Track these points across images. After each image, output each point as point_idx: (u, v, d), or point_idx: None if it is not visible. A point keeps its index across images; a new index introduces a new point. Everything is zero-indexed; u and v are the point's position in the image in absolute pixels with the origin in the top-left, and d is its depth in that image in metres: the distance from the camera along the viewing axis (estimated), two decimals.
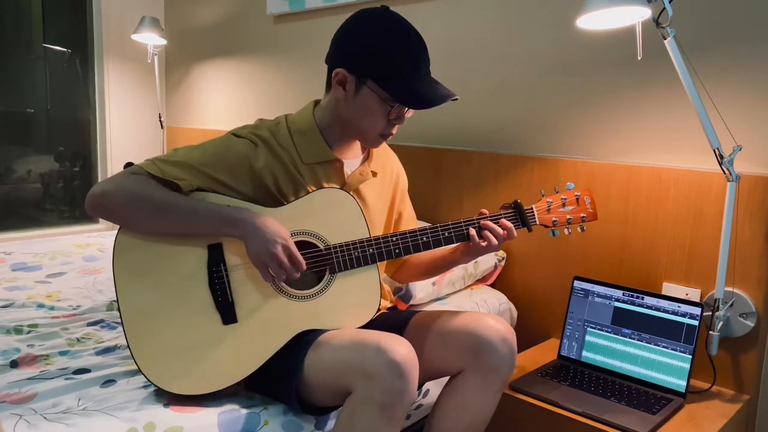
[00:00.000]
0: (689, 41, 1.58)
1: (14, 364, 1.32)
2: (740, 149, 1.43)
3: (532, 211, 1.38)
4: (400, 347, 1.10)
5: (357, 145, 1.40)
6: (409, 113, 1.31)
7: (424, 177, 2.18)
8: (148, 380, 1.18)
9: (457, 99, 1.25)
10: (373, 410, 1.08)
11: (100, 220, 3.38)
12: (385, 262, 1.40)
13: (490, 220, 1.32)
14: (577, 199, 1.40)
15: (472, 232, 1.31)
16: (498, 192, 1.99)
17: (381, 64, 1.22)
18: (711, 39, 1.57)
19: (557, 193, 1.41)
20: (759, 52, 1.50)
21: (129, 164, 1.29)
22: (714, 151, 1.41)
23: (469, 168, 2.06)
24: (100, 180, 3.45)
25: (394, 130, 1.32)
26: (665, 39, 1.38)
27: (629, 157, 1.73)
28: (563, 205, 1.40)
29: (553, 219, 1.39)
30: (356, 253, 1.28)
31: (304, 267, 1.21)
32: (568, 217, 1.40)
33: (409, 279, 1.57)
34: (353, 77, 1.25)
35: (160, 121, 3.45)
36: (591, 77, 1.80)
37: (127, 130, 3.47)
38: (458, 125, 2.13)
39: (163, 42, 3.20)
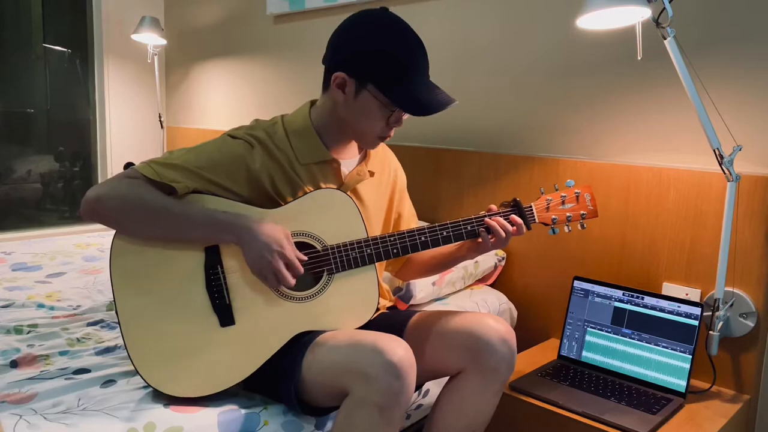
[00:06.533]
0: (689, 41, 1.58)
1: (14, 364, 1.32)
2: (740, 149, 1.43)
3: (531, 210, 1.37)
4: (397, 348, 1.10)
5: (354, 145, 1.39)
6: (407, 115, 1.30)
7: (425, 177, 2.18)
8: (148, 384, 1.18)
9: (456, 104, 1.25)
10: (370, 411, 1.08)
11: None
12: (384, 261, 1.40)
13: (498, 217, 1.31)
14: (577, 196, 1.40)
15: (482, 229, 1.30)
16: (498, 192, 1.99)
17: (381, 69, 1.22)
18: (711, 39, 1.57)
19: (557, 190, 1.40)
20: (759, 52, 1.50)
21: (129, 164, 1.29)
22: (714, 151, 1.41)
23: (469, 168, 2.06)
24: (100, 180, 3.45)
25: (392, 132, 1.32)
26: (665, 39, 1.38)
27: (629, 157, 1.73)
28: (563, 202, 1.39)
29: (553, 217, 1.38)
30: (354, 254, 1.27)
31: (301, 270, 1.21)
32: (567, 214, 1.39)
33: (412, 276, 1.55)
34: (353, 81, 1.24)
35: (160, 121, 3.45)
36: (591, 77, 1.80)
37: (127, 130, 3.47)
38: (458, 125, 2.13)
39: (163, 42, 3.20)
